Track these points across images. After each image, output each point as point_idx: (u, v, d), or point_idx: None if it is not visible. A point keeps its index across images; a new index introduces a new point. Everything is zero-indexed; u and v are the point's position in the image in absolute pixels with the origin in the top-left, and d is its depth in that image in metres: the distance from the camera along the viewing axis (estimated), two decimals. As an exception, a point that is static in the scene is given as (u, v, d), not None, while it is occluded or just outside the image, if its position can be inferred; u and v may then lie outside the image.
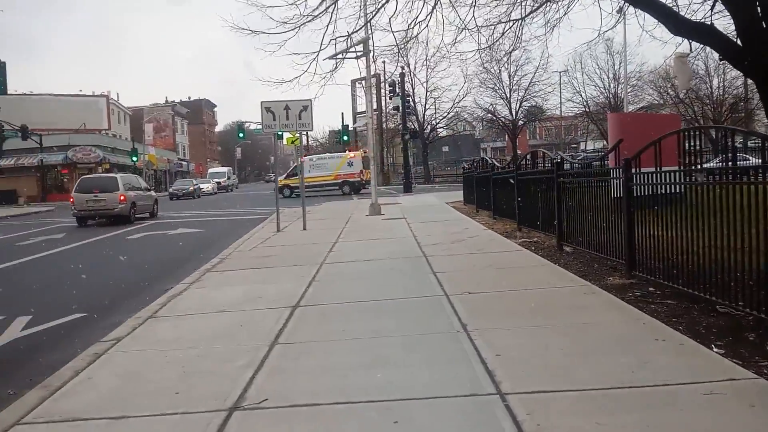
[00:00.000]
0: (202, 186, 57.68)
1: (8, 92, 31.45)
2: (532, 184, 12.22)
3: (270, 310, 6.84)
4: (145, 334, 6.24)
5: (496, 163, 18.00)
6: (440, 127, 62.84)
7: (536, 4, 9.95)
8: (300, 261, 10.41)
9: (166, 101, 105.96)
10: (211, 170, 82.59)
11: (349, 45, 11.35)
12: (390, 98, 50.92)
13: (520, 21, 10.11)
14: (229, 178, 74.38)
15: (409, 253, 10.60)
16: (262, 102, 16.10)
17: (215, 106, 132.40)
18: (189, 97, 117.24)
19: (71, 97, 71.01)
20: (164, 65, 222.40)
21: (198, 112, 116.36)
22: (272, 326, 6.08)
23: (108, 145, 65.95)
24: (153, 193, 28.87)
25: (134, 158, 62.00)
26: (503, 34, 10.64)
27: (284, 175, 42.78)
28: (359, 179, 40.14)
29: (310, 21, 9.60)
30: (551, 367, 4.47)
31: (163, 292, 8.49)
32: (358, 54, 17.98)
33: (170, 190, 54.96)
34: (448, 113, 59.11)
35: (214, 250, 13.07)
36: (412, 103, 52.67)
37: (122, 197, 23.35)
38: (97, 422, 3.97)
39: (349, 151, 45.91)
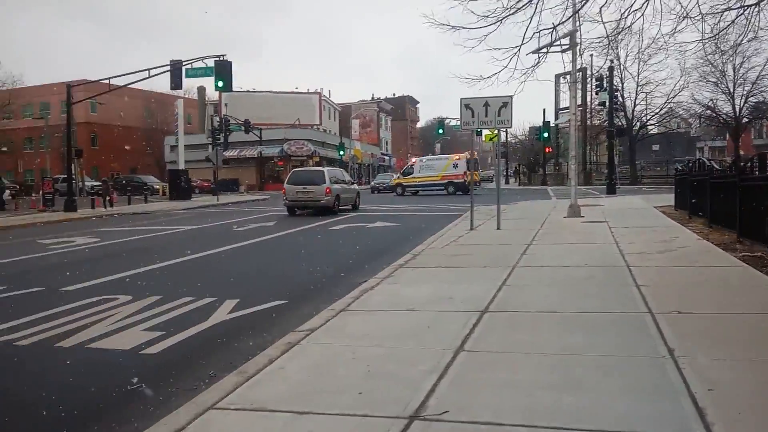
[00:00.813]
0: (402, 180, 59.10)
1: (234, 89, 34.46)
2: (759, 192, 10.81)
3: (458, 312, 6.69)
4: (336, 327, 6.40)
5: (715, 166, 16.27)
6: (651, 124, 58.68)
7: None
8: (492, 262, 10.17)
9: (372, 98, 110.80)
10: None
11: (554, 38, 10.82)
12: (596, 93, 48.48)
13: (754, 6, 8.93)
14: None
15: (609, 261, 9.88)
16: (461, 99, 16.01)
17: (417, 102, 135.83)
18: (393, 94, 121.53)
19: (288, 94, 76.89)
20: (372, 63, 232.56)
21: (401, 108, 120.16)
22: (459, 330, 5.93)
23: (318, 140, 70.44)
24: (356, 186, 30.22)
25: (341, 152, 65.53)
26: (733, 22, 9.48)
27: (398, 175, 46.99)
28: (463, 180, 41.51)
29: (512, 14, 9.28)
30: (778, 411, 3.82)
31: (357, 285, 8.71)
32: (563, 48, 17.20)
33: (372, 183, 57.20)
34: (661, 109, 55.03)
35: (408, 245, 13.24)
36: (620, 98, 49.74)
37: (328, 190, 24.75)
38: (283, 415, 4.07)
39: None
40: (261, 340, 6.34)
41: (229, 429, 3.93)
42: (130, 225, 23.01)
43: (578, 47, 17.12)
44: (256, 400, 4.33)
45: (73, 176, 35.72)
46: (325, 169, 27.19)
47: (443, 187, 42.90)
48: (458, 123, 17.92)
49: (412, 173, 44.76)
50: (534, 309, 6.80)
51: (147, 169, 71.07)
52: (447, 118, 75.30)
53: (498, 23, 9.47)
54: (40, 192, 36.10)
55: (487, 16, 9.45)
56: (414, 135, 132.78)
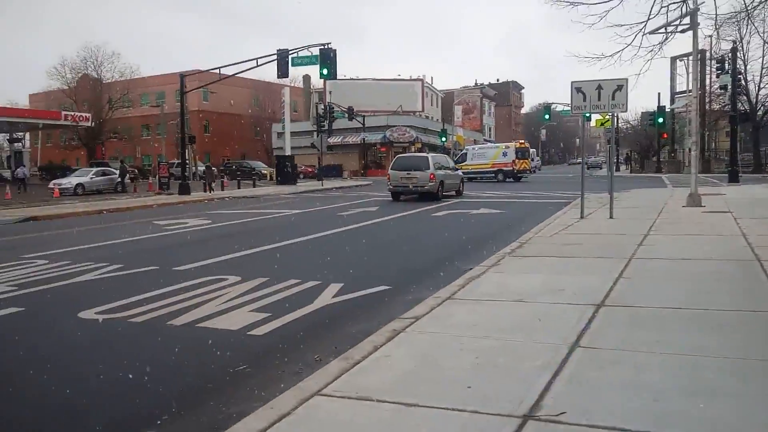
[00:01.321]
0: (505, 167, 57.99)
1: (337, 77, 34.82)
2: None
3: (571, 305, 6.32)
4: (442, 315, 6.19)
5: None
6: (776, 109, 54.30)
7: None
8: (605, 253, 9.62)
9: (476, 84, 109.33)
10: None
11: (683, 12, 10.02)
12: (717, 76, 45.48)
13: None
14: (532, 159, 73.91)
15: (737, 254, 9.10)
16: (572, 82, 15.32)
17: (522, 88, 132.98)
18: (497, 80, 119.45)
19: (390, 82, 77.04)
20: (476, 49, 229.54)
21: (505, 94, 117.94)
22: (573, 325, 5.57)
23: (420, 126, 70.25)
24: (460, 172, 29.91)
25: (443, 139, 65.03)
26: None
27: (453, 162, 48.47)
28: (512, 168, 43.79)
29: (638, -13, 8.62)
30: None
31: (462, 273, 8.47)
32: (683, 27, 16.09)
33: (475, 170, 56.31)
34: (788, 93, 50.73)
35: (514, 233, 12.84)
36: (743, 81, 46.34)
37: (432, 176, 24.70)
38: (389, 406, 3.91)
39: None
40: (365, 325, 6.23)
41: (334, 417, 3.82)
42: (239, 208, 23.77)
43: (715, 22, 15.89)
44: (362, 388, 4.20)
45: (187, 161, 37.35)
46: (429, 155, 27.10)
47: (494, 175, 44.16)
48: (565, 108, 17.26)
49: (465, 161, 45.29)
50: (656, 304, 6.30)
51: (256, 154, 73.44)
52: (553, 103, 73.23)
53: (621, -3, 8.86)
54: (157, 176, 38.02)
55: (610, -10, 8.84)
56: (518, 121, 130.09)
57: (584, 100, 15.17)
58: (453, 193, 27.20)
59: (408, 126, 66.99)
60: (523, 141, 51.67)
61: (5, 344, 6.16)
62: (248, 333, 6.14)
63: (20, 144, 58.19)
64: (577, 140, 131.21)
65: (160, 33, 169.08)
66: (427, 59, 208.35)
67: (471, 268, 8.73)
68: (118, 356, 5.69)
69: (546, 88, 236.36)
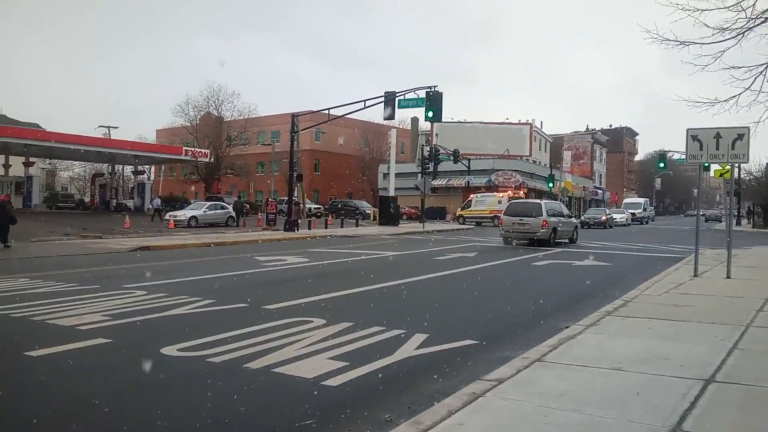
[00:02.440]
0: (615, 216, 55.93)
1: (444, 120, 34.87)
2: None
3: (675, 378, 5.66)
4: (528, 380, 5.71)
5: None
6: None
7: None
8: (719, 318, 8.73)
9: (587, 129, 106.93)
10: (626, 200, 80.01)
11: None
12: None
13: None
14: (645, 209, 70.69)
15: None
16: (687, 129, 14.40)
17: (636, 134, 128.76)
18: (610, 125, 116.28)
19: (498, 125, 76.56)
20: (587, 93, 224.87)
21: (618, 140, 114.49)
22: (676, 402, 4.95)
23: (527, 171, 69.08)
24: (574, 219, 29.15)
25: (550, 184, 63.47)
26: None
27: (461, 207, 55.46)
28: None
29: (758, 24, 7.93)
30: None
31: (557, 331, 7.95)
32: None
33: (582, 217, 54.60)
34: None
35: (619, 289, 12.02)
36: None
37: (544, 222, 24.55)
38: (454, 485, 3.53)
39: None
40: (444, 384, 5.86)
41: (392, 493, 3.48)
42: (338, 247, 23.94)
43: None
44: (427, 462, 3.84)
45: (295, 198, 38.29)
46: (543, 202, 26.84)
47: (491, 220, 48.53)
48: (681, 156, 16.22)
49: (470, 207, 53.51)
50: (776, 384, 5.55)
51: (362, 194, 74.66)
52: (669, 151, 70.03)
53: (739, 37, 8.17)
54: (265, 212, 39.24)
55: (725, 29, 8.19)
56: (632, 169, 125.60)
57: (701, 149, 14.19)
58: (566, 240, 26.86)
59: (514, 170, 66.06)
60: (522, 192, 59.37)
61: (80, 376, 6.22)
62: (322, 383, 5.90)
63: (144, 176, 62.04)
64: (695, 190, 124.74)
65: (277, 74, 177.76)
66: (537, 103, 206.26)
67: (566, 327, 8.17)
68: (184, 398, 5.60)
69: (663, 135, 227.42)
